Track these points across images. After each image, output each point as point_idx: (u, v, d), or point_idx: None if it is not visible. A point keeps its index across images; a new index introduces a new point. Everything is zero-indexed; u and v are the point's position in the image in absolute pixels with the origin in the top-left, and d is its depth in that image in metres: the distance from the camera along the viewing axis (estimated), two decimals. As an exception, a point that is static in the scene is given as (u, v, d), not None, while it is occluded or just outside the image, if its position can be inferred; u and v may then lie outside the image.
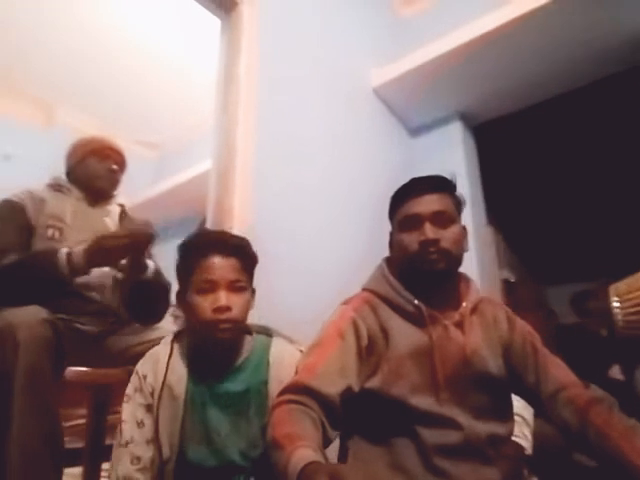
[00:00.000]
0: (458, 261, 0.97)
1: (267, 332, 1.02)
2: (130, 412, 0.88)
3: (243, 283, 0.94)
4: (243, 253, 0.96)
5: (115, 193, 1.47)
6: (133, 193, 3.75)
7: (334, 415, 0.80)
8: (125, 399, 0.89)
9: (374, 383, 0.87)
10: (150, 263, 1.26)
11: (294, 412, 0.75)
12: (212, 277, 0.89)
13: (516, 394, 0.97)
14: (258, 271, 1.00)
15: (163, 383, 0.88)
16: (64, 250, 1.07)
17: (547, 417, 0.91)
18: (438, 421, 0.84)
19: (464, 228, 1.02)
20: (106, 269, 1.22)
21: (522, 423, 1.38)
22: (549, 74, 2.44)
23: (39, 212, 1.21)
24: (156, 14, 3.02)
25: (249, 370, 0.94)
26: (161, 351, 0.94)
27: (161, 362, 0.91)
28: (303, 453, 0.63)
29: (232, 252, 0.93)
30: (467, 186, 2.61)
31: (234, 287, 0.91)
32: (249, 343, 0.98)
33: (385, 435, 0.87)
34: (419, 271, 0.93)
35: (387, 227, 1.06)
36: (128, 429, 0.86)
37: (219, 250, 0.92)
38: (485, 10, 2.20)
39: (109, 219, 1.37)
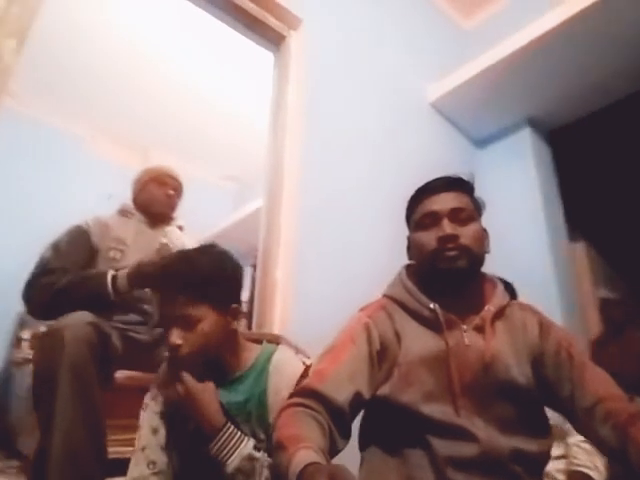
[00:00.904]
0: (479, 260, 0.93)
1: (276, 341, 1.03)
2: (146, 419, 0.94)
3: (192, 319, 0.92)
4: None
5: (174, 215, 1.62)
6: (216, 222, 4.08)
7: (342, 421, 0.79)
8: (143, 407, 0.96)
9: (385, 390, 0.85)
10: None
11: (299, 415, 0.75)
12: None
13: (550, 408, 0.87)
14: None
15: None
16: (111, 273, 1.20)
17: (584, 434, 0.81)
18: (451, 432, 0.79)
19: (485, 230, 0.98)
20: None
21: (592, 452, 1.23)
22: (630, 66, 2.22)
23: (103, 236, 1.38)
24: (230, 60, 3.30)
25: (251, 379, 0.95)
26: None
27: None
28: (304, 454, 0.63)
29: None
30: (540, 198, 2.44)
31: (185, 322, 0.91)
32: (255, 352, 0.99)
33: (399, 446, 0.83)
34: (438, 270, 0.89)
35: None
36: (144, 435, 0.92)
37: None
38: (546, 9, 2.10)
39: (166, 239, 1.51)
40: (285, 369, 0.93)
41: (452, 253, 0.88)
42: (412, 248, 0.98)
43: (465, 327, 0.88)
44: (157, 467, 0.89)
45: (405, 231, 1.02)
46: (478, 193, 1.00)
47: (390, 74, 2.36)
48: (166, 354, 0.95)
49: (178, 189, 1.60)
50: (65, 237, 1.34)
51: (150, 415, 0.94)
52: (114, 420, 1.12)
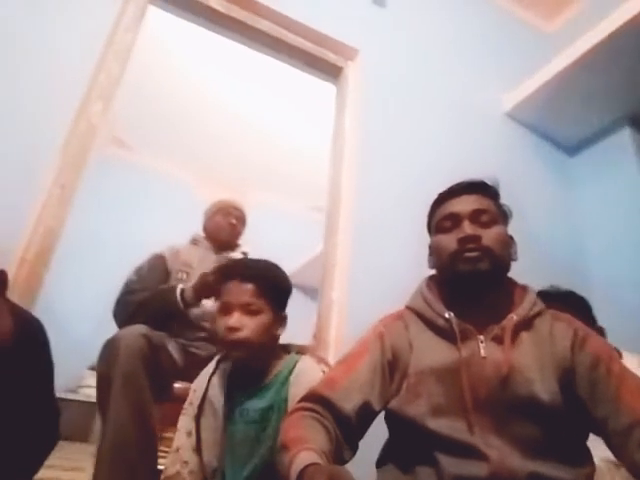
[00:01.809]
0: (503, 264, 0.87)
1: (301, 351, 1.06)
2: (183, 422, 1.02)
3: (255, 307, 1.00)
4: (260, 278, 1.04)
5: (238, 242, 1.76)
6: (306, 251, 4.25)
7: (349, 430, 0.78)
8: (182, 411, 1.05)
9: (394, 402, 0.82)
10: None
11: (305, 418, 0.76)
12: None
13: (584, 430, 0.76)
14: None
15: (203, 397, 1.01)
16: (180, 286, 1.36)
17: (619, 457, 0.69)
18: (460, 449, 0.73)
19: (511, 237, 0.92)
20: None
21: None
22: None
23: (174, 260, 1.56)
24: (302, 98, 3.52)
25: (275, 388, 0.98)
26: (207, 368, 1.08)
27: (204, 378, 1.04)
28: (306, 455, 0.64)
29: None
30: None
31: (248, 310, 1.00)
32: (284, 361, 1.04)
33: (411, 462, 0.79)
34: (458, 273, 0.84)
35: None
36: (179, 437, 1.00)
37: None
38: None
39: (228, 264, 1.65)
40: (304, 378, 0.96)
41: (473, 254, 0.83)
42: (432, 253, 0.94)
43: (482, 337, 0.82)
44: (188, 467, 0.96)
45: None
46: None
47: (457, 90, 2.31)
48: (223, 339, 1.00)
49: (241, 218, 1.76)
50: (146, 263, 1.55)
51: (186, 419, 1.02)
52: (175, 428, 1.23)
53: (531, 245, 2.10)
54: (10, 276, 1.16)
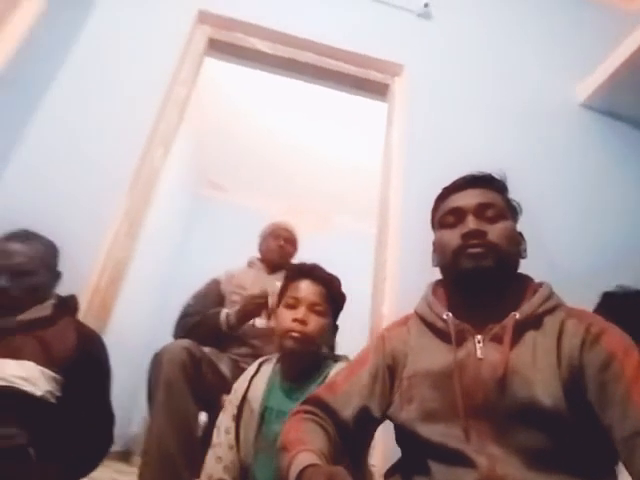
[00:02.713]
0: (510, 261, 0.81)
1: (339, 359, 1.10)
2: (222, 420, 1.09)
3: (321, 308, 1.08)
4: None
5: (292, 262, 1.84)
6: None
7: (346, 436, 0.79)
8: (223, 409, 1.11)
9: (391, 407, 0.80)
10: None
11: (305, 421, 0.78)
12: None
13: (595, 438, 0.65)
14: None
15: (243, 397, 1.07)
16: (225, 311, 1.47)
17: (625, 466, 0.58)
18: (450, 457, 0.68)
19: (520, 234, 0.87)
20: (264, 320, 1.54)
21: None
22: None
23: (228, 284, 1.68)
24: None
25: (309, 390, 1.01)
26: (249, 370, 1.14)
27: (245, 379, 1.10)
28: (304, 456, 0.66)
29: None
30: None
31: (314, 309, 1.08)
32: (326, 368, 1.08)
33: (409, 471, 0.75)
34: (461, 270, 0.79)
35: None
36: (217, 434, 1.07)
37: None
38: None
39: (279, 283, 1.72)
40: None
41: (477, 250, 0.78)
42: (435, 250, 0.90)
43: (480, 338, 0.76)
44: (222, 462, 1.02)
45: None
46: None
47: (519, 90, 2.16)
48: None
49: (291, 240, 1.84)
50: (203, 288, 1.69)
51: (225, 416, 1.09)
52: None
53: (619, 244, 1.87)
54: (85, 301, 1.38)
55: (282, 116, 3.76)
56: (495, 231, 0.80)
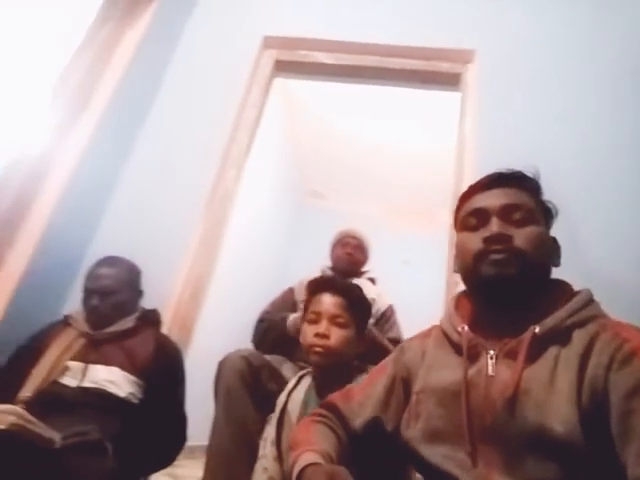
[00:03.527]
0: (539, 269, 0.73)
1: (368, 369, 1.06)
2: (268, 432, 1.13)
3: (342, 320, 1.07)
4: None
5: (362, 269, 1.84)
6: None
7: (356, 443, 0.78)
8: (268, 421, 1.16)
9: (401, 423, 0.76)
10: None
11: (316, 424, 0.79)
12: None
13: (615, 473, 0.54)
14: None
15: (283, 410, 1.11)
16: (292, 316, 1.53)
17: None
18: (449, 480, 0.63)
19: (554, 240, 0.78)
20: None
21: None
22: None
23: (300, 292, 1.74)
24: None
25: None
26: (290, 383, 1.17)
27: (285, 392, 1.14)
28: (308, 456, 0.67)
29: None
30: None
31: (336, 322, 1.08)
32: (359, 378, 1.05)
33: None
34: (482, 278, 0.72)
35: None
36: (264, 445, 1.12)
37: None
38: None
39: (349, 291, 1.74)
40: None
41: (500, 256, 0.71)
42: (455, 255, 0.84)
43: (492, 353, 0.69)
44: (268, 473, 1.07)
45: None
46: None
47: (611, 59, 1.86)
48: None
49: (359, 247, 1.84)
50: (280, 295, 1.79)
51: (271, 429, 1.14)
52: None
53: None
54: (169, 315, 1.56)
55: (368, 120, 3.79)
56: (521, 236, 0.72)
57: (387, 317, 1.71)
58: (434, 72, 2.07)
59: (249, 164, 1.97)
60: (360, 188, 4.94)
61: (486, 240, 0.73)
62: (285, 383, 1.40)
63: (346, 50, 2.10)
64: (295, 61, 2.14)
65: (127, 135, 1.85)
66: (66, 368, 1.20)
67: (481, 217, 0.77)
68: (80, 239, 1.63)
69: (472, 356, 0.71)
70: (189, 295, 1.62)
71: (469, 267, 0.76)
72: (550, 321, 0.67)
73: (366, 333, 1.48)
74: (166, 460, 1.22)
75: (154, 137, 1.88)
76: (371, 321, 1.65)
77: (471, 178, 1.72)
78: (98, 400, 1.16)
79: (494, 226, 0.73)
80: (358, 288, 1.19)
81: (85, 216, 1.65)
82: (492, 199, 0.77)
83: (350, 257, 1.82)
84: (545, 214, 0.78)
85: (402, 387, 0.80)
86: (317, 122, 4.03)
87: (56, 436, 0.94)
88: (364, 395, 0.82)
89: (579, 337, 0.65)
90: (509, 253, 0.71)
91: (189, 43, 2.09)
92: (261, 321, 1.67)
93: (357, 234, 1.89)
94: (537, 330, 0.67)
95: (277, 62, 2.14)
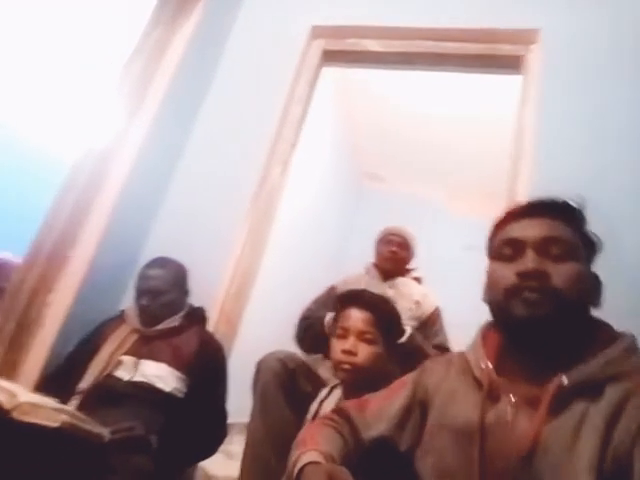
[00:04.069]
0: (576, 311, 0.67)
1: None
2: None
3: (370, 336, 1.06)
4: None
5: (409, 268, 1.80)
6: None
7: (362, 453, 0.77)
8: (304, 423, 1.19)
9: (417, 450, 0.74)
10: (407, 329, 1.50)
11: (325, 426, 0.79)
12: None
13: None
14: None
15: (314, 418, 1.13)
16: (329, 316, 1.54)
17: None
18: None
19: (596, 278, 0.72)
20: None
21: None
22: None
23: (343, 289, 1.74)
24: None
25: None
26: (321, 393, 1.20)
27: (317, 402, 1.16)
28: (309, 455, 0.68)
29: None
30: None
31: (363, 337, 1.07)
32: None
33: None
34: (512, 317, 0.68)
35: None
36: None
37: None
38: None
39: (392, 290, 1.71)
40: None
41: (533, 296, 0.66)
42: (486, 285, 0.79)
43: (514, 398, 0.65)
44: None
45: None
46: None
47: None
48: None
49: (402, 244, 1.80)
50: (322, 293, 1.80)
51: None
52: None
53: None
54: (216, 309, 1.64)
55: (427, 100, 3.61)
56: (559, 273, 0.66)
57: (432, 321, 1.67)
58: (493, 55, 1.92)
59: (304, 149, 1.96)
60: (420, 170, 4.78)
61: (520, 275, 0.68)
62: (321, 384, 1.43)
63: (396, 36, 2.00)
64: (343, 50, 2.08)
65: (178, 135, 1.91)
66: (120, 362, 1.31)
67: (516, 248, 0.71)
68: (136, 237, 1.74)
69: (492, 397, 0.68)
70: (235, 291, 1.68)
71: (499, 302, 0.71)
72: (580, 372, 0.62)
73: (408, 340, 1.47)
74: (205, 453, 1.30)
75: (204, 137, 1.93)
76: (414, 324, 1.62)
77: (528, 172, 1.61)
78: (146, 394, 1.25)
79: (530, 260, 0.68)
80: (387, 302, 1.16)
81: (140, 216, 1.76)
82: (530, 229, 0.72)
83: (394, 255, 1.78)
84: (588, 248, 0.72)
85: (419, 411, 0.78)
86: (374, 103, 3.91)
87: (104, 431, 1.04)
88: (379, 408, 0.81)
89: (611, 394, 0.59)
90: (544, 293, 0.65)
91: (237, 40, 2.10)
92: (302, 319, 1.69)
93: (401, 232, 1.84)
94: (564, 381, 0.62)
95: (325, 52, 2.09)
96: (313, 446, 0.69)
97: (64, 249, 1.55)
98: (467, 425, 0.68)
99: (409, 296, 1.69)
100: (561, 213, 0.72)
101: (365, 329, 1.09)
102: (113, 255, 1.63)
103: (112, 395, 1.24)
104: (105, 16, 2.50)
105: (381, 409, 0.80)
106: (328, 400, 1.17)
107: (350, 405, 0.85)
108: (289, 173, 1.90)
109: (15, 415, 0.95)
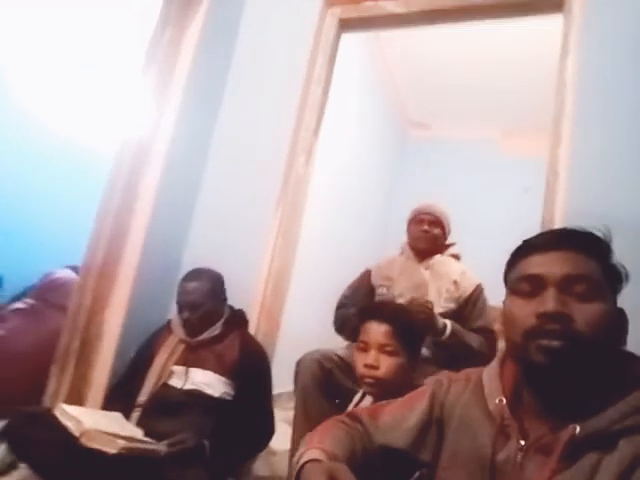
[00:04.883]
0: (600, 356, 0.63)
1: None
2: None
3: (391, 348, 1.08)
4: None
5: (446, 244, 1.75)
6: None
7: (369, 460, 0.78)
8: None
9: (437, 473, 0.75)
10: (448, 325, 1.49)
11: (333, 427, 0.80)
12: None
13: None
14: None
15: None
16: None
17: None
18: None
19: (621, 312, 0.67)
20: None
21: None
22: None
23: (377, 276, 1.74)
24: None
25: None
26: (355, 398, 1.22)
27: (351, 405, 1.20)
28: (311, 453, 0.68)
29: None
30: None
31: (384, 350, 1.09)
32: None
33: None
34: (530, 362, 0.64)
35: None
36: None
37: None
38: None
39: (428, 272, 1.67)
40: None
41: (554, 343, 0.61)
42: (503, 322, 0.76)
43: (523, 443, 0.64)
44: None
45: None
46: None
47: None
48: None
49: (435, 222, 1.73)
50: (357, 278, 1.81)
51: None
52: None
53: None
54: (256, 308, 1.71)
55: (465, 36, 3.29)
56: (583, 315, 0.61)
57: (473, 302, 1.62)
58: (527, 3, 1.71)
59: (342, 109, 1.86)
60: (467, 111, 4.47)
61: (540, 317, 0.63)
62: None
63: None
64: (361, 17, 1.94)
65: (204, 129, 1.87)
66: (172, 372, 1.43)
67: (537, 285, 0.66)
68: (176, 241, 1.79)
69: (504, 434, 0.67)
70: (272, 288, 1.74)
71: (517, 344, 0.67)
72: (595, 423, 0.59)
73: (450, 337, 1.46)
74: (254, 451, 1.41)
75: (227, 129, 1.89)
76: (452, 306, 1.60)
77: (570, 127, 1.47)
78: (197, 400, 1.37)
79: (551, 301, 0.63)
80: (407, 313, 1.15)
81: (177, 219, 1.79)
82: (552, 266, 0.66)
83: (427, 234, 1.72)
84: (612, 283, 0.66)
85: (436, 429, 0.77)
86: (411, 47, 3.65)
87: (160, 446, 1.16)
88: (392, 418, 0.80)
89: (625, 447, 0.57)
90: (566, 338, 0.61)
91: (250, 21, 2.00)
92: (342, 306, 1.72)
93: (432, 209, 1.76)
94: (578, 432, 0.59)
95: (341, 21, 1.96)
96: (317, 444, 0.70)
97: (112, 264, 1.65)
98: (480, 459, 0.68)
99: (446, 276, 1.65)
100: (584, 246, 0.66)
101: (385, 342, 1.09)
102: (156, 261, 1.71)
103: (168, 404, 1.36)
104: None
105: (394, 418, 0.80)
106: (361, 405, 1.21)
107: (361, 412, 0.85)
108: (313, 161, 1.87)
109: (83, 441, 1.09)
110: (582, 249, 0.66)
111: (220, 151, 1.90)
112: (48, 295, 1.79)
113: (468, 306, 1.61)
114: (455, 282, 1.64)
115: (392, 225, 4.29)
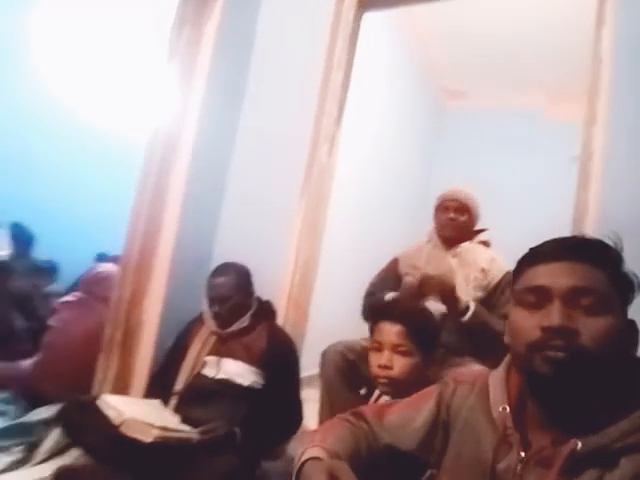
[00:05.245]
0: (606, 370, 0.62)
1: None
2: None
3: (404, 348, 1.09)
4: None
5: (475, 231, 1.71)
6: None
7: (373, 459, 0.79)
8: None
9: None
10: (471, 304, 1.46)
11: (338, 425, 0.81)
12: None
13: None
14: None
15: None
16: (389, 295, 1.56)
17: None
18: None
19: (631, 325, 0.64)
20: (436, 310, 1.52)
21: None
22: None
23: (404, 264, 1.72)
24: None
25: None
26: (375, 394, 1.24)
27: (371, 401, 1.22)
28: (312, 451, 0.69)
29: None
30: None
31: (398, 350, 1.09)
32: None
33: None
34: (535, 374, 0.64)
35: None
36: None
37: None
38: None
39: (456, 260, 1.64)
40: None
41: (559, 355, 0.60)
42: (508, 331, 0.73)
43: (523, 455, 0.64)
44: None
45: None
46: None
47: None
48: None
49: (462, 208, 1.67)
50: (385, 267, 1.81)
51: None
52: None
53: None
54: (284, 298, 1.76)
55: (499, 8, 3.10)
56: (590, 329, 0.60)
57: (502, 289, 1.57)
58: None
59: (375, 83, 1.80)
60: (507, 77, 4.22)
61: (545, 331, 0.62)
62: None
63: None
64: (381, -6, 1.87)
65: (228, 118, 1.88)
66: (205, 362, 1.51)
67: (542, 296, 0.65)
68: (207, 231, 1.86)
69: (506, 443, 0.67)
70: (299, 279, 1.77)
71: (521, 355, 0.66)
72: (597, 439, 0.58)
73: (472, 317, 1.44)
74: (284, 437, 1.48)
75: (252, 123, 1.92)
76: (480, 294, 1.57)
77: (605, 104, 1.37)
78: (229, 389, 1.45)
79: (556, 315, 0.61)
80: (419, 312, 1.15)
81: (207, 209, 1.85)
82: (558, 277, 0.64)
83: (453, 222, 1.68)
84: (621, 295, 0.63)
85: (443, 431, 0.78)
86: (446, 18, 3.47)
87: (193, 433, 1.25)
88: (399, 417, 0.81)
89: (626, 466, 0.56)
90: (571, 353, 0.60)
91: (270, 11, 1.98)
92: (366, 296, 1.73)
93: (457, 195, 1.70)
94: (579, 447, 0.59)
95: (360, 1, 1.90)
96: (319, 443, 0.72)
97: (148, 257, 1.74)
98: (481, 464, 0.68)
99: (474, 263, 1.61)
100: (592, 256, 0.64)
101: (398, 342, 1.10)
102: (189, 253, 1.79)
103: (201, 392, 1.45)
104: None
105: (401, 417, 0.81)
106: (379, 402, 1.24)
107: (366, 411, 0.86)
108: (337, 150, 1.86)
109: (122, 430, 1.19)
110: (590, 259, 0.63)
111: (245, 142, 1.92)
112: (93, 288, 1.92)
113: (496, 293, 1.58)
114: (483, 270, 1.61)
115: (430, 208, 4.18)
